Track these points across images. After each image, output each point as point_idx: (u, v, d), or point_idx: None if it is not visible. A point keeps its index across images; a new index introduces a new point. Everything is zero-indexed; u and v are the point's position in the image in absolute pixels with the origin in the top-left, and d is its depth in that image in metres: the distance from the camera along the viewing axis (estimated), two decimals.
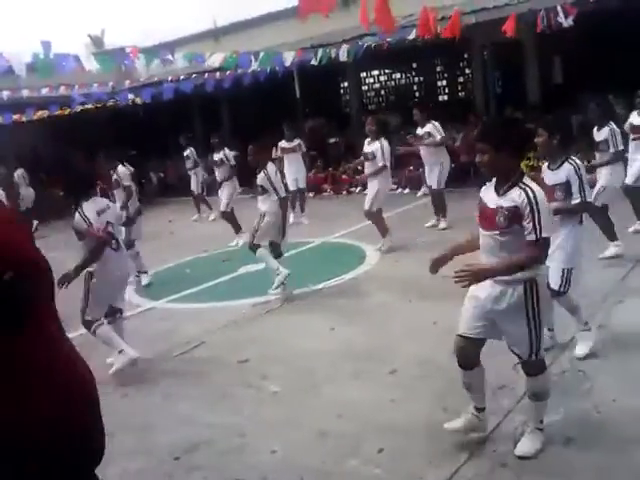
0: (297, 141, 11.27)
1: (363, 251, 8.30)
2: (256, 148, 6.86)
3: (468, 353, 3.36)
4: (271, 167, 6.73)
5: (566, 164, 4.33)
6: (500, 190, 3.18)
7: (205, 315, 6.52)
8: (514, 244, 3.12)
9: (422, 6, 8.95)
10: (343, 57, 11.25)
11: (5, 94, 12.96)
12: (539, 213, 3.03)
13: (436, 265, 3.45)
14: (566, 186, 4.31)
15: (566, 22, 9.39)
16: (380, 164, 8.12)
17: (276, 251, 6.76)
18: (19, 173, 14.61)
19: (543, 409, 3.38)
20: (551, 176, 4.41)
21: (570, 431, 3.48)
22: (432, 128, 9.12)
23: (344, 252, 8.51)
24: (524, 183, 3.11)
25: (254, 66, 10.92)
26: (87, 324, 5.05)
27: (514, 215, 3.08)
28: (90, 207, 5.09)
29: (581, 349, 4.41)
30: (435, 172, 9.13)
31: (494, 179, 3.25)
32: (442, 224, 8.91)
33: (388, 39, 10.87)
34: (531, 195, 3.06)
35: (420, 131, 9.34)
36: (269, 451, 3.70)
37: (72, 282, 4.82)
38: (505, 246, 3.15)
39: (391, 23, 7.98)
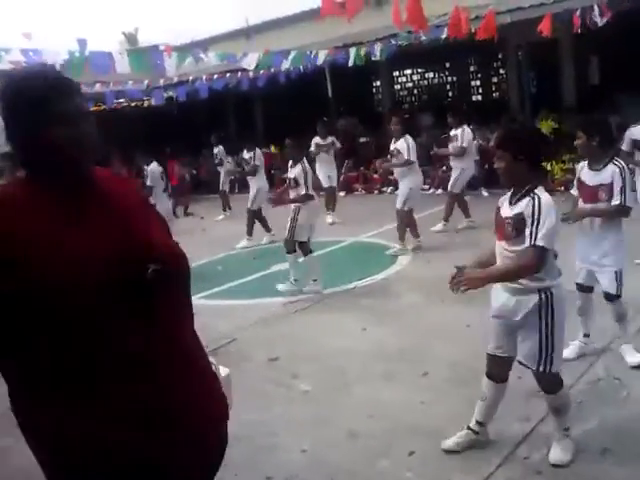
0: (330, 139, 11.27)
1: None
2: (294, 142, 6.98)
3: (495, 370, 3.36)
4: (307, 164, 6.87)
5: (611, 165, 4.19)
6: (513, 200, 3.15)
7: (236, 312, 6.56)
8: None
9: (454, 5, 8.85)
10: (376, 56, 11.21)
11: None
12: (539, 220, 2.97)
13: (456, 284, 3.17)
14: (610, 187, 4.16)
15: (600, 21, 9.25)
16: (405, 157, 8.17)
17: (305, 249, 6.79)
18: None
19: (565, 420, 3.32)
20: (593, 177, 4.27)
21: (606, 441, 3.40)
22: (460, 133, 9.09)
23: (375, 252, 8.49)
24: (535, 192, 3.06)
25: (286, 64, 10.96)
26: None
27: (520, 224, 3.04)
28: None
29: (633, 358, 4.27)
30: (453, 176, 9.21)
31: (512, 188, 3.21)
32: (438, 227, 8.91)
33: (422, 38, 10.82)
34: (536, 203, 3.01)
35: (452, 132, 9.30)
36: (299, 450, 3.71)
37: None
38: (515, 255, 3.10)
39: (423, 22, 7.93)
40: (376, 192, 14.08)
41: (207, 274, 8.39)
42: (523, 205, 3.05)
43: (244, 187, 12.20)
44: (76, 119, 1.57)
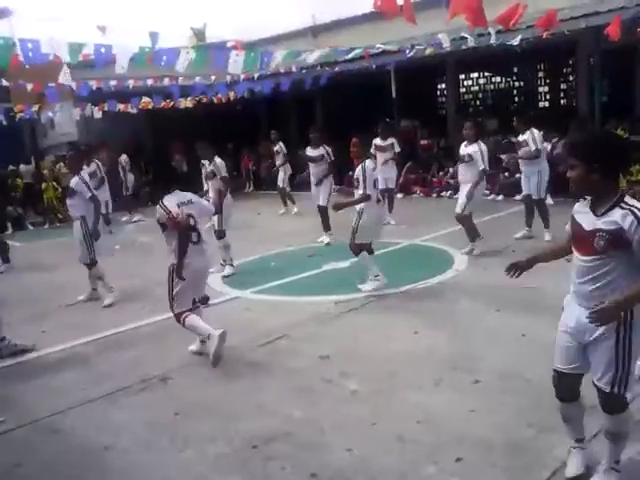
0: (390, 140, 11.17)
1: (451, 256, 8.16)
2: (360, 141, 6.96)
3: (565, 388, 3.17)
4: (370, 163, 6.79)
5: None
6: (598, 211, 2.91)
7: (288, 308, 6.59)
8: (616, 270, 2.86)
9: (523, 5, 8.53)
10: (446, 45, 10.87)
11: (112, 84, 13.54)
12: None
13: (514, 269, 3.30)
14: None
15: None
16: (480, 167, 8.01)
17: (368, 249, 6.80)
18: (124, 158, 15.27)
19: (620, 450, 3.12)
20: None
21: None
22: (529, 136, 8.79)
23: (431, 256, 8.40)
24: (627, 203, 2.83)
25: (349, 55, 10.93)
26: (176, 317, 5.25)
27: (617, 238, 2.81)
28: (171, 199, 5.26)
29: None
30: (533, 181, 8.80)
31: (589, 197, 2.98)
32: (547, 236, 8.54)
33: (491, 41, 10.60)
34: (639, 215, 2.78)
35: (521, 138, 9.06)
36: (345, 449, 3.69)
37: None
38: (605, 272, 2.88)
39: (482, 20, 7.68)
40: (434, 195, 13.96)
41: (260, 269, 8.49)
42: (617, 218, 2.82)
43: (302, 186, 12.24)
44: None
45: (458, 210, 8.13)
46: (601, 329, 2.91)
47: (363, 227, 6.67)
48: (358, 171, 6.70)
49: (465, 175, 8.22)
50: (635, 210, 2.80)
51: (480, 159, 7.98)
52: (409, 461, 3.53)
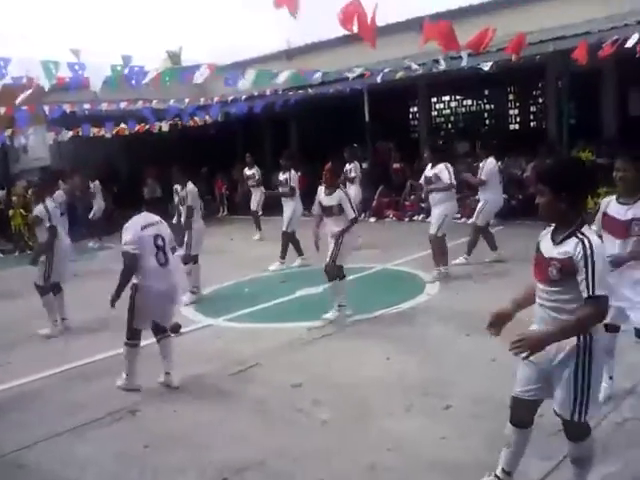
0: (351, 165, 11.20)
1: (423, 280, 8.19)
2: (334, 167, 7.01)
3: (522, 414, 3.18)
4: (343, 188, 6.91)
5: None
6: (556, 238, 2.95)
7: (261, 336, 6.56)
8: (567, 300, 2.89)
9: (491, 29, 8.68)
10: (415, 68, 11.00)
11: (85, 107, 13.45)
12: (594, 267, 2.77)
13: (496, 325, 3.18)
14: None
15: None
16: (447, 182, 8.11)
17: (340, 273, 6.78)
18: (96, 184, 15.08)
19: (585, 474, 3.13)
20: (626, 211, 4.09)
21: None
22: (482, 164, 9.07)
23: (403, 280, 8.42)
24: (582, 233, 2.86)
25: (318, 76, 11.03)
26: (131, 333, 5.29)
27: (567, 267, 2.85)
28: (138, 221, 5.28)
29: None
30: (477, 208, 9.14)
31: (553, 224, 3.03)
32: (459, 259, 8.85)
33: (462, 64, 10.75)
34: (587, 246, 2.80)
35: (481, 164, 9.27)
36: (317, 479, 3.66)
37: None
38: (557, 301, 2.92)
39: (455, 44, 7.79)
40: (407, 219, 14.02)
41: (233, 296, 8.43)
42: (571, 247, 2.85)
43: (273, 209, 12.20)
44: None
45: (432, 231, 8.21)
46: (562, 354, 2.93)
47: (344, 249, 6.71)
48: (342, 197, 6.73)
49: (435, 197, 8.30)
50: (585, 240, 2.83)
51: (447, 177, 8.09)
52: None
